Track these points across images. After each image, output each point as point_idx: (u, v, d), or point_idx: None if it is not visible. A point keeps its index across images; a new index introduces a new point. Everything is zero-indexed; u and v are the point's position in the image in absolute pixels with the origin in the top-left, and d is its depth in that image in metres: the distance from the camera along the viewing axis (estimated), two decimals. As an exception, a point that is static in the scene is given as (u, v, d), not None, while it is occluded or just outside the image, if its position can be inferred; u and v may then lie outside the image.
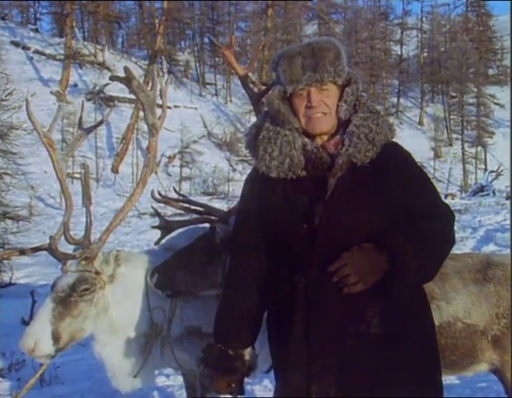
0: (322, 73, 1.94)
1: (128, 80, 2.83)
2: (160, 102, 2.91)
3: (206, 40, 41.25)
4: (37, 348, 2.61)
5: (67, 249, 2.86)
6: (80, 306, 2.72)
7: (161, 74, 28.59)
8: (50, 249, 2.73)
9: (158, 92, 2.93)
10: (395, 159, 1.99)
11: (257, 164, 2.02)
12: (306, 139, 2.00)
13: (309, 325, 1.91)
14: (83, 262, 2.77)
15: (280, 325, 2.00)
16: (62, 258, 2.76)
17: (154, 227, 3.42)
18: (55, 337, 2.64)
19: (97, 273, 2.79)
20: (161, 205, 3.64)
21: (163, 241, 3.31)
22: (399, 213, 1.93)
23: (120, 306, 2.85)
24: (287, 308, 1.96)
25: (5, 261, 7.56)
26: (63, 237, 2.79)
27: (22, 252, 3.11)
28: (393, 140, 2.04)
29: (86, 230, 2.79)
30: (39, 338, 2.61)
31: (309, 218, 1.92)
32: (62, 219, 2.81)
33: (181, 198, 3.60)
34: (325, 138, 2.01)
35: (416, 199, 1.96)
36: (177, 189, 5.05)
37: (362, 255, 1.85)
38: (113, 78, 2.83)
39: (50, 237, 2.74)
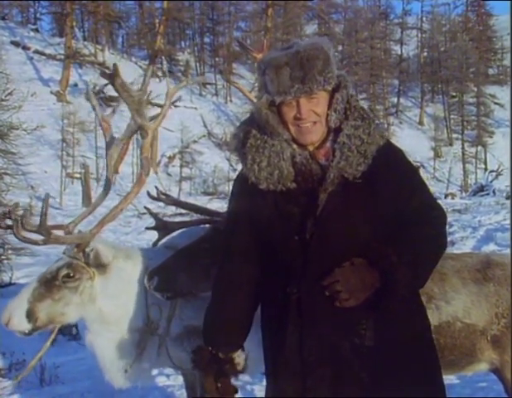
0: (311, 84, 1.87)
1: (111, 77, 2.77)
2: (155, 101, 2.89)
3: (206, 39, 41.29)
4: (11, 322, 2.69)
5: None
6: (63, 292, 2.76)
7: (160, 74, 28.56)
8: (14, 232, 2.73)
9: (148, 92, 2.91)
10: (386, 164, 1.94)
11: (246, 173, 1.97)
12: (295, 147, 1.96)
13: (302, 337, 1.90)
14: (75, 249, 2.80)
15: (273, 336, 2.00)
16: (23, 240, 2.74)
17: (149, 228, 3.38)
18: (30, 316, 2.71)
19: (86, 263, 2.80)
20: (162, 204, 3.62)
21: (163, 240, 3.29)
22: (392, 221, 1.91)
23: (112, 299, 2.85)
24: (280, 319, 1.95)
25: (5, 261, 7.57)
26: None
27: None
28: (388, 139, 2.00)
29: (41, 217, 2.71)
30: (13, 314, 2.69)
31: (300, 230, 1.90)
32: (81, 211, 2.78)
33: (177, 199, 3.57)
34: (315, 144, 1.97)
35: (407, 203, 1.94)
36: (177, 189, 5.02)
37: (353, 272, 1.84)
38: (101, 74, 2.83)
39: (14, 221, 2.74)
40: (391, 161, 1.97)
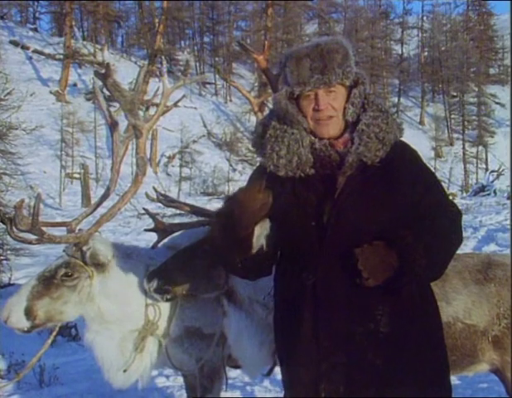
0: (330, 75, 1.93)
1: (103, 76, 2.76)
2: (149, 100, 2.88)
3: (206, 39, 41.30)
4: (10, 319, 2.71)
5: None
6: (61, 290, 2.76)
7: (160, 73, 28.55)
8: (8, 231, 2.72)
9: (140, 92, 2.89)
10: (404, 158, 2.00)
11: (265, 163, 2.00)
12: (314, 138, 2.00)
13: (318, 323, 1.91)
14: (73, 248, 2.79)
15: (288, 323, 2.00)
16: (15, 239, 2.76)
17: (148, 230, 3.35)
18: (29, 313, 2.72)
19: (84, 262, 2.79)
20: (162, 205, 3.59)
21: (165, 241, 3.26)
22: (408, 211, 1.93)
23: (111, 298, 2.84)
24: (295, 306, 1.96)
25: (4, 262, 7.56)
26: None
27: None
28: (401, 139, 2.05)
29: (33, 216, 2.70)
30: (12, 311, 2.71)
31: (318, 216, 1.92)
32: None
33: (175, 200, 3.54)
34: (333, 138, 2.01)
35: (424, 197, 1.97)
36: (177, 189, 4.99)
37: (373, 252, 1.86)
38: (95, 73, 2.81)
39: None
40: (407, 157, 2.02)
